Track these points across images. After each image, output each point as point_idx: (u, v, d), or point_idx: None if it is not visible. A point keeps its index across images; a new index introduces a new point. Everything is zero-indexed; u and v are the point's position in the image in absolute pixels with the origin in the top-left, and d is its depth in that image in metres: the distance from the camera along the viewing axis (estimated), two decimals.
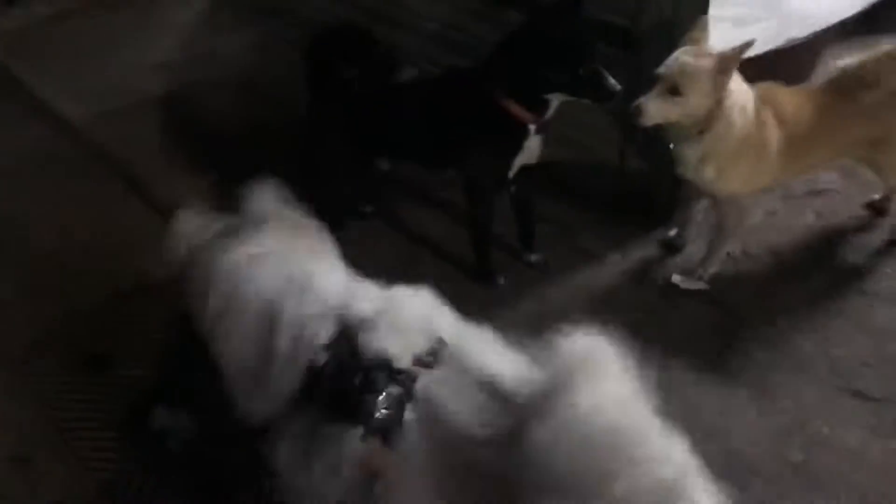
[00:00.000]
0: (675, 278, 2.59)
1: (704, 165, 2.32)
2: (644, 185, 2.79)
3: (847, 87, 2.36)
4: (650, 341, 2.31)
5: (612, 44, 2.60)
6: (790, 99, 2.35)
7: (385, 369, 1.34)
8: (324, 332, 1.40)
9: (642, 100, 2.18)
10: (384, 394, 1.31)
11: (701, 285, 2.56)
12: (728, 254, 2.63)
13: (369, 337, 1.37)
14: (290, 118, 3.26)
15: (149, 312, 2.50)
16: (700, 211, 2.68)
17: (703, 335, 2.42)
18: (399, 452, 1.30)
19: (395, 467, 1.29)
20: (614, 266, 2.69)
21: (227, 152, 3.25)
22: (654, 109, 2.18)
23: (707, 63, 2.14)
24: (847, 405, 2.19)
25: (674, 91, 2.16)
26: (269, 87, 3.67)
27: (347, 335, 1.39)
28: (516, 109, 2.27)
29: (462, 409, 1.28)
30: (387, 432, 1.30)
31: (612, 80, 2.19)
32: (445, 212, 2.93)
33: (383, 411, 1.30)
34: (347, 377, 1.34)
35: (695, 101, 2.17)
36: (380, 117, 2.52)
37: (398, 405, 1.31)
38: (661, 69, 2.19)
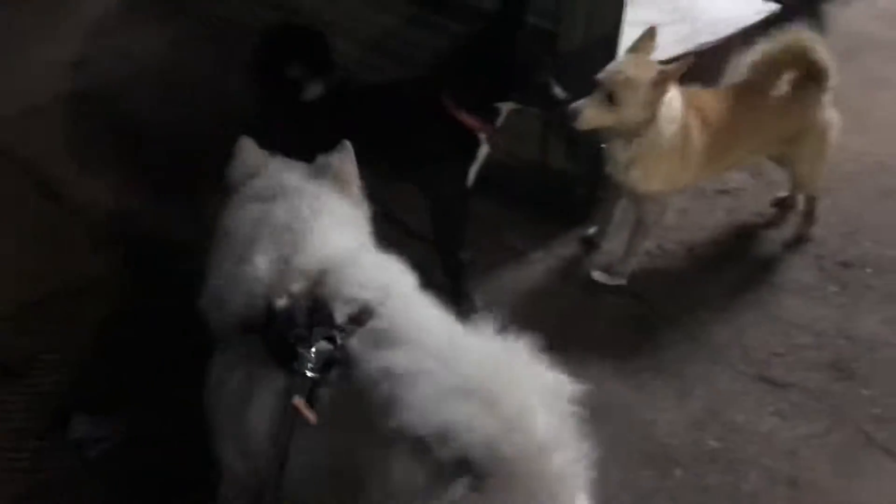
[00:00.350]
0: (596, 275, 2.67)
1: (633, 167, 2.40)
2: (565, 184, 2.86)
3: (761, 81, 2.49)
4: (573, 336, 2.45)
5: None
6: (712, 102, 2.46)
7: (327, 325, 1.39)
8: (298, 282, 1.47)
9: (580, 104, 2.24)
10: (315, 351, 1.36)
11: (621, 281, 2.65)
12: (646, 250, 2.72)
13: (328, 292, 1.45)
14: (213, 115, 3.23)
15: (67, 317, 2.42)
16: (619, 209, 2.76)
17: (624, 329, 2.51)
18: (319, 405, 1.34)
19: (314, 416, 1.32)
20: (538, 263, 2.75)
21: (148, 151, 3.17)
22: (591, 115, 2.24)
23: (647, 76, 2.21)
24: (758, 392, 2.30)
25: (611, 99, 2.22)
26: (188, 84, 3.59)
27: (313, 291, 1.46)
28: (468, 119, 2.26)
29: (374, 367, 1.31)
30: (313, 385, 1.34)
31: (559, 90, 2.23)
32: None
33: (310, 366, 1.34)
34: (291, 329, 1.39)
35: (631, 111, 2.24)
36: (331, 123, 2.39)
37: (326, 363, 1.36)
38: (601, 76, 2.24)
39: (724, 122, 2.45)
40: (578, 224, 2.87)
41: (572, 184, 2.86)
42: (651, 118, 2.29)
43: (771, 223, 2.91)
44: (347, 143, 1.76)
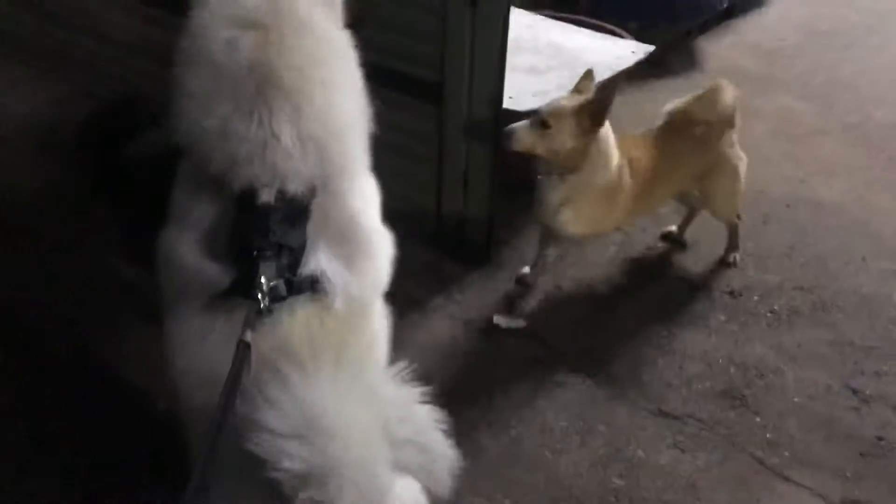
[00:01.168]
0: (497, 319, 2.69)
1: (563, 208, 2.50)
2: (461, 228, 2.89)
3: (678, 126, 2.63)
4: (474, 382, 2.45)
5: (419, 97, 2.71)
6: (637, 146, 2.58)
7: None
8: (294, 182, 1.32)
9: (515, 126, 2.38)
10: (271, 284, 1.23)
11: (520, 323, 2.68)
12: (545, 291, 2.78)
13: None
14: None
15: None
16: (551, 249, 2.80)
17: (525, 371, 2.53)
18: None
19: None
20: (439, 310, 2.75)
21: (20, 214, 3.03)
22: (523, 136, 2.38)
23: (572, 104, 2.35)
24: (656, 426, 2.36)
25: (544, 125, 2.36)
26: (69, 144, 3.46)
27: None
28: None
29: None
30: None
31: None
32: None
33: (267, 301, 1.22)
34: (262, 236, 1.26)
35: (559, 138, 2.36)
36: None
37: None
38: (541, 107, 2.41)
39: (649, 165, 2.57)
40: (476, 268, 2.89)
41: (468, 228, 2.88)
42: (582, 151, 2.40)
43: (660, 257, 3.01)
44: None
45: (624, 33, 3.63)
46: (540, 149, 2.40)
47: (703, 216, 2.99)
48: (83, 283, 2.70)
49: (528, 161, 2.47)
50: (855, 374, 2.55)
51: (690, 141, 2.62)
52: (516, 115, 2.68)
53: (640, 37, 3.65)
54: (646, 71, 3.68)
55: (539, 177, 2.52)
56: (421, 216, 2.94)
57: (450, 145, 2.76)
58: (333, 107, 1.36)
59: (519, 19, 2.69)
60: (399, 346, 2.54)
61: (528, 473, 2.20)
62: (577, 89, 2.45)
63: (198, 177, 1.34)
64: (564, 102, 2.39)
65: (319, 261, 1.31)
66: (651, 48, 3.34)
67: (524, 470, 2.21)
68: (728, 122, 2.66)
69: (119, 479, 2.10)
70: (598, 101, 2.36)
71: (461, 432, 2.22)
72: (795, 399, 2.46)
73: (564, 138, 2.37)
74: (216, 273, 1.29)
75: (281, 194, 1.28)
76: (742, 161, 2.75)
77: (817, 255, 3.04)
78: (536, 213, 2.60)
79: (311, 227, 1.31)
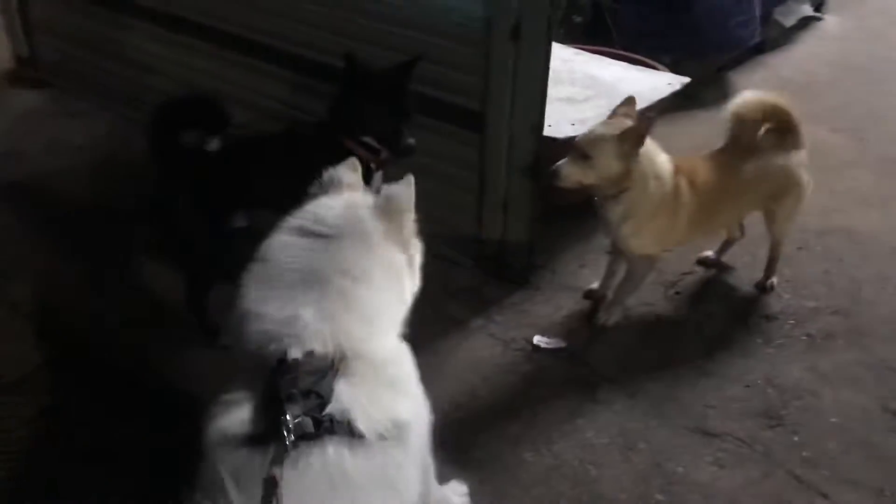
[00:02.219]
0: (537, 339, 2.76)
1: (623, 223, 2.61)
2: (501, 252, 2.98)
3: (738, 148, 2.72)
4: (516, 399, 2.52)
5: (462, 126, 2.82)
6: (701, 166, 2.68)
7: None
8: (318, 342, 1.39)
9: (559, 164, 2.50)
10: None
11: (560, 344, 2.75)
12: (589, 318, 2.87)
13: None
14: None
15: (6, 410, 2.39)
16: (619, 266, 2.90)
17: (566, 390, 2.59)
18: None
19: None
20: (479, 331, 2.83)
21: (86, 238, 3.18)
22: (567, 172, 2.49)
23: (613, 131, 2.46)
24: (696, 444, 2.40)
25: (585, 157, 2.46)
26: (123, 172, 3.63)
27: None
28: (363, 153, 2.48)
29: None
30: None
31: (410, 140, 2.50)
32: None
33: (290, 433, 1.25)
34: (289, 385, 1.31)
35: (603, 164, 2.47)
36: (234, 173, 2.58)
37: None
38: (578, 138, 2.52)
39: (712, 184, 2.67)
40: (516, 290, 2.98)
41: (508, 252, 2.97)
42: (627, 172, 2.50)
43: (696, 282, 3.08)
44: (411, 177, 1.63)
45: (658, 66, 3.74)
46: (587, 179, 2.50)
47: (741, 242, 3.06)
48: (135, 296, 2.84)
49: (568, 190, 2.56)
50: (892, 396, 2.57)
51: (757, 160, 2.71)
52: (555, 142, 2.80)
53: (673, 70, 3.75)
54: (678, 104, 3.77)
55: (596, 199, 2.63)
56: (463, 241, 3.04)
57: (491, 173, 2.86)
58: (364, 299, 1.46)
59: (556, 52, 2.80)
60: (441, 366, 2.66)
61: (571, 488, 2.25)
62: (617, 114, 2.55)
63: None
64: (601, 130, 2.50)
65: (347, 403, 1.33)
66: (687, 80, 3.44)
67: (567, 485, 2.26)
68: (788, 135, 2.74)
69: None
70: (638, 125, 2.46)
71: (504, 447, 2.34)
72: (833, 420, 2.49)
73: (608, 164, 2.47)
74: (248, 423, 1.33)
75: (309, 354, 1.36)
76: (809, 184, 2.85)
77: (852, 280, 3.08)
78: (603, 231, 2.76)
79: (341, 379, 1.36)
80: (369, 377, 1.39)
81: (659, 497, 2.24)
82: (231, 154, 2.60)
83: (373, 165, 2.55)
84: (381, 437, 1.33)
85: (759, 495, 2.26)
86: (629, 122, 2.50)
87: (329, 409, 1.30)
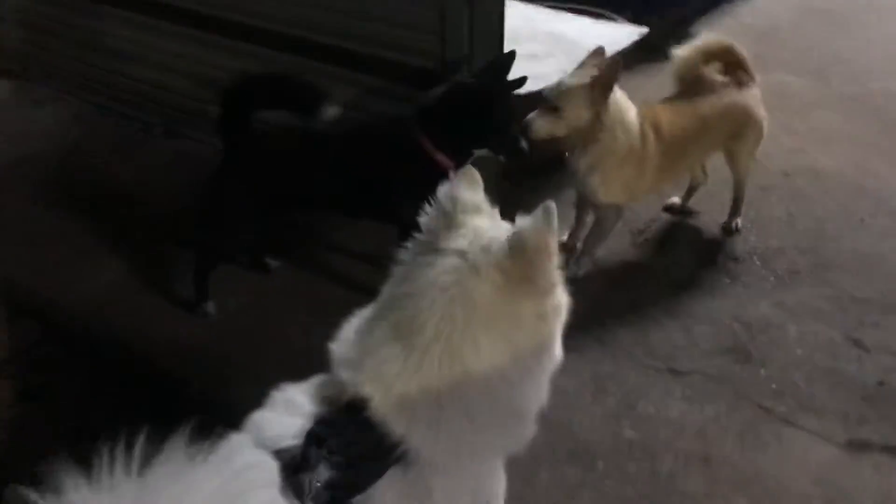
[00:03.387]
0: None
1: (591, 174, 2.65)
2: None
3: (695, 91, 2.78)
4: None
5: (420, 87, 2.84)
6: (662, 113, 2.73)
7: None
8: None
9: (530, 117, 2.52)
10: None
11: None
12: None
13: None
14: (113, 188, 3.29)
15: None
16: (584, 218, 2.96)
17: None
18: None
19: None
20: None
21: (57, 225, 3.20)
22: (539, 125, 2.52)
23: (581, 81, 2.49)
24: (665, 383, 2.46)
25: (554, 109, 2.50)
26: (91, 159, 3.64)
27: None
28: (443, 159, 2.43)
29: None
30: None
31: (524, 143, 2.49)
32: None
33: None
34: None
35: (573, 115, 2.51)
36: (298, 165, 2.52)
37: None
38: (545, 90, 2.55)
39: (674, 129, 2.71)
40: None
41: None
42: (597, 121, 2.53)
43: (663, 228, 3.13)
44: (551, 206, 1.25)
45: (619, 18, 3.76)
46: (558, 131, 2.54)
47: (705, 188, 3.12)
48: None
49: (540, 143, 2.58)
50: (855, 326, 2.64)
51: (715, 101, 2.76)
52: (518, 99, 2.83)
53: (635, 23, 3.78)
54: (643, 57, 3.80)
55: (566, 153, 2.67)
56: None
57: None
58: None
59: (517, 11, 2.83)
60: None
61: (544, 431, 2.28)
62: (586, 65, 2.57)
63: None
64: (570, 81, 2.52)
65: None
66: (646, 30, 3.48)
67: (540, 430, 2.31)
68: (739, 73, 2.79)
69: None
70: (605, 73, 2.49)
71: None
72: (798, 352, 2.56)
73: (578, 114, 2.51)
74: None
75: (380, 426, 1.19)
76: (765, 119, 2.89)
77: (816, 218, 3.14)
78: (572, 182, 2.78)
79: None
80: (422, 495, 1.23)
81: (630, 434, 2.30)
82: (293, 143, 2.52)
83: (452, 173, 2.44)
84: None
85: (728, 428, 2.32)
86: (596, 72, 2.53)
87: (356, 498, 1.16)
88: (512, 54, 2.47)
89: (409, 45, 2.78)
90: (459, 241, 1.26)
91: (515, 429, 1.33)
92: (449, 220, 1.29)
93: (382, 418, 1.19)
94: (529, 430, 1.35)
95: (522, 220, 1.26)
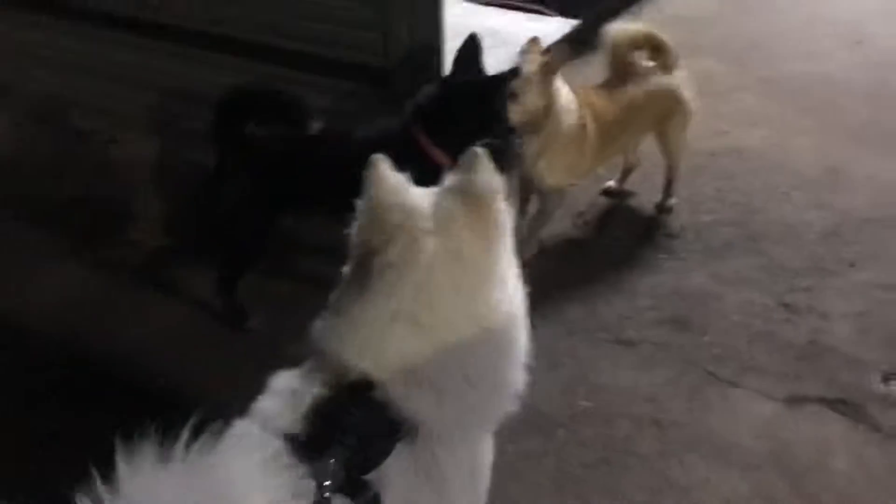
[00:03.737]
0: None
1: (540, 159, 2.78)
2: None
3: (624, 76, 2.93)
4: None
5: (361, 81, 2.91)
6: (596, 97, 2.87)
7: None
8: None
9: None
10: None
11: None
12: None
13: None
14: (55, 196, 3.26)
15: None
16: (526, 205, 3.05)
17: None
18: None
19: None
20: None
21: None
22: None
23: (533, 68, 2.60)
24: (616, 353, 2.60)
25: (512, 96, 2.58)
26: (28, 171, 3.59)
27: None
28: (439, 155, 2.46)
29: None
30: None
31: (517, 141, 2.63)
32: None
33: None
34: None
35: (528, 101, 2.62)
36: (299, 168, 2.53)
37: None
38: None
39: (609, 111, 2.86)
40: None
41: None
42: (549, 106, 2.66)
43: (603, 210, 3.28)
44: (477, 150, 1.34)
45: (550, 13, 3.90)
46: (517, 116, 2.63)
47: (639, 170, 3.27)
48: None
49: None
50: (786, 291, 2.82)
51: (644, 85, 2.92)
52: None
53: (564, 16, 3.92)
54: (573, 48, 3.94)
55: (518, 140, 2.76)
56: None
57: None
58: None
59: (452, 8, 2.92)
60: None
61: None
62: (527, 54, 2.68)
63: None
64: (526, 69, 2.62)
65: (388, 483, 1.19)
66: (577, 22, 3.62)
67: None
68: (663, 58, 2.96)
69: None
70: (553, 58, 2.62)
71: None
72: (735, 318, 2.72)
73: (533, 101, 2.63)
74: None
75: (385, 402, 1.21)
76: (693, 102, 3.07)
77: (743, 193, 3.33)
78: (520, 168, 2.87)
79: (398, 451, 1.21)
80: (426, 462, 1.25)
81: (586, 403, 2.42)
82: (292, 150, 2.54)
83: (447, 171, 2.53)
84: None
85: (677, 392, 2.46)
86: (542, 58, 2.65)
87: (369, 476, 1.16)
88: (474, 40, 2.53)
89: (352, 42, 2.84)
90: (412, 219, 1.28)
91: (506, 395, 1.36)
92: (385, 212, 1.29)
93: (389, 395, 1.21)
94: (515, 398, 1.39)
95: (455, 174, 1.33)
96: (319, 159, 2.53)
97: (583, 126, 2.79)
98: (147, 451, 0.97)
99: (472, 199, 1.28)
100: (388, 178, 1.33)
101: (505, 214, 1.32)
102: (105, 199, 3.34)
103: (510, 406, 1.37)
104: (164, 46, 3.32)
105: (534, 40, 2.74)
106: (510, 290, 1.34)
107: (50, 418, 2.37)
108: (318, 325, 1.31)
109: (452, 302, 1.25)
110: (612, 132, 2.90)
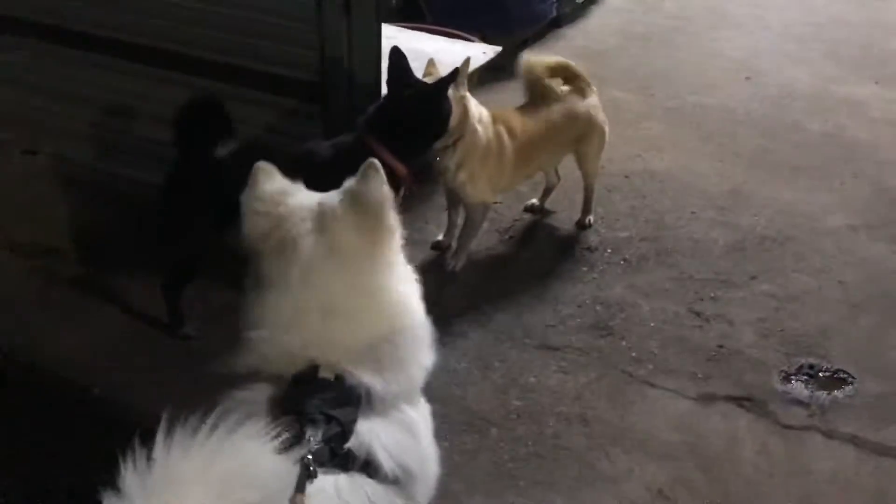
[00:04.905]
0: None
1: (458, 171, 2.92)
2: None
3: (541, 100, 3.13)
4: None
5: (303, 98, 3.00)
6: (513, 117, 3.07)
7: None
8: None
9: None
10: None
11: None
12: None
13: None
14: None
15: None
16: (455, 219, 3.22)
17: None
18: None
19: None
20: None
21: None
22: None
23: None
24: (542, 358, 2.76)
25: None
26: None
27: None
28: (396, 163, 2.53)
29: None
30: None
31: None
32: None
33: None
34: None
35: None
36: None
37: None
38: None
39: (526, 131, 3.04)
40: None
41: None
42: (464, 120, 2.82)
43: (527, 225, 3.46)
44: (374, 163, 1.47)
45: (473, 38, 4.09)
46: None
47: (559, 189, 3.48)
48: None
49: None
50: (696, 300, 3.05)
51: (562, 109, 3.14)
52: None
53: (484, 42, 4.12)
54: (489, 75, 4.17)
55: (437, 154, 2.89)
56: None
57: None
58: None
59: (384, 32, 3.06)
60: None
61: (441, 407, 2.48)
62: (428, 73, 2.88)
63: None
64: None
65: (366, 440, 1.31)
66: (499, 49, 3.82)
67: (436, 405, 2.49)
68: (578, 85, 3.19)
69: None
70: (455, 70, 2.70)
71: None
72: (651, 324, 2.93)
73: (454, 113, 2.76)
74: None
75: (339, 379, 1.35)
76: (606, 125, 3.30)
77: (656, 212, 3.57)
78: (442, 181, 3.02)
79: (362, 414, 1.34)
80: (391, 418, 1.39)
81: (517, 403, 2.57)
82: (242, 161, 2.53)
83: (403, 180, 2.58)
84: (391, 482, 1.31)
85: (600, 392, 2.64)
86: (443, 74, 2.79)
87: (350, 442, 1.28)
88: (398, 51, 2.66)
89: (290, 59, 2.92)
90: (289, 220, 1.42)
91: (426, 353, 1.54)
92: (270, 215, 1.43)
93: (337, 372, 1.36)
94: (431, 350, 1.56)
95: (352, 181, 1.46)
96: (290, 171, 2.57)
97: (500, 141, 2.97)
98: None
99: (360, 204, 1.43)
100: (263, 184, 1.47)
101: (393, 218, 1.46)
102: (22, 207, 3.30)
103: (429, 365, 1.54)
104: (98, 59, 3.30)
105: (430, 62, 2.94)
106: (398, 277, 1.49)
107: None
108: (251, 331, 1.41)
109: (342, 288, 1.40)
110: (530, 150, 3.10)
